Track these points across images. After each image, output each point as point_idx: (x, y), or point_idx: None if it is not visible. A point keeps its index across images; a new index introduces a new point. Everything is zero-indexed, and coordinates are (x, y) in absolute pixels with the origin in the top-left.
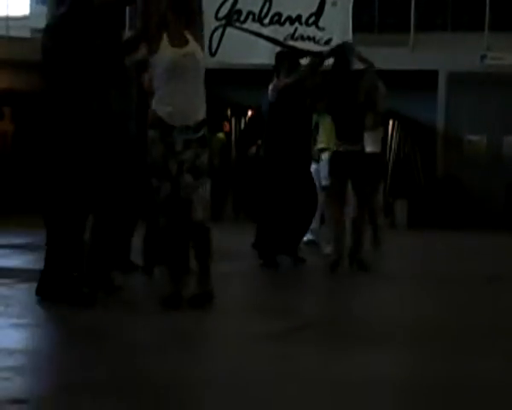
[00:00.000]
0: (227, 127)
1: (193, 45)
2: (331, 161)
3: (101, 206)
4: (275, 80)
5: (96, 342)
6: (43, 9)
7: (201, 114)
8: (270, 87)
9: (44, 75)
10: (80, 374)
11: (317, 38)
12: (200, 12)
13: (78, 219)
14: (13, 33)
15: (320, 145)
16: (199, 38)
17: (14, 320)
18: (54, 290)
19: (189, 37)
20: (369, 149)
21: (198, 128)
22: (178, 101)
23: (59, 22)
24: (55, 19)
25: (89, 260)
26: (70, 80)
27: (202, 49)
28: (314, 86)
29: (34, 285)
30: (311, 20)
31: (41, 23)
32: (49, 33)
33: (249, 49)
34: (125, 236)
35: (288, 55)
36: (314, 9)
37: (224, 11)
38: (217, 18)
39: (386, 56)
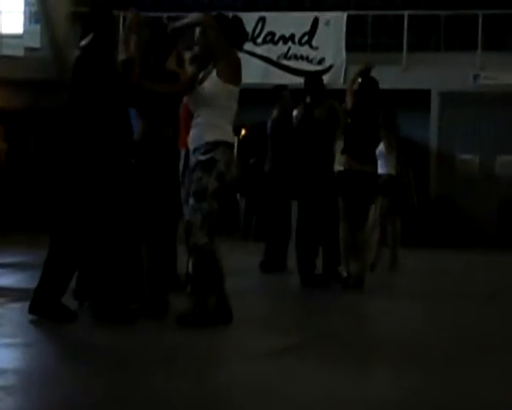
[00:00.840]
0: None
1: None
2: (345, 180)
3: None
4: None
5: (91, 359)
6: (37, 28)
7: (208, 136)
8: (296, 112)
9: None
10: (74, 393)
11: (310, 58)
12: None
13: (81, 240)
14: (6, 52)
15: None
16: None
17: (6, 340)
18: (46, 308)
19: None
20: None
21: (204, 151)
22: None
23: (81, 54)
24: (79, 51)
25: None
26: (95, 108)
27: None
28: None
29: (26, 304)
30: (304, 40)
31: (35, 42)
32: (74, 65)
33: (243, 69)
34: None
35: (316, 79)
36: (307, 29)
37: None
38: None
39: (379, 76)
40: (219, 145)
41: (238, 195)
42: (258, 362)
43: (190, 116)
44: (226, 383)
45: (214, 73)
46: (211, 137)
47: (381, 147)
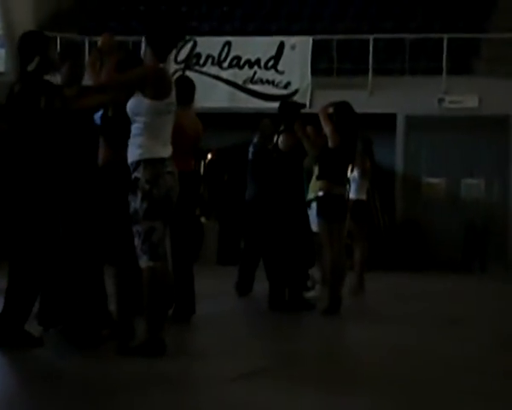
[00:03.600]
0: None
1: None
2: (328, 204)
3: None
4: (283, 135)
5: (53, 386)
6: (2, 53)
7: (132, 156)
8: (282, 138)
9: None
10: None
11: (276, 82)
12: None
13: (40, 266)
14: None
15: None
16: None
17: None
18: (10, 336)
19: None
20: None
21: (133, 169)
22: None
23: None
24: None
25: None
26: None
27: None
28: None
29: None
30: (270, 64)
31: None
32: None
33: (208, 93)
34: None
35: (291, 106)
36: (273, 53)
37: (183, 55)
38: (176, 61)
39: (345, 100)
40: (140, 164)
41: (203, 218)
42: (223, 387)
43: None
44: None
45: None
46: (132, 157)
47: (355, 172)
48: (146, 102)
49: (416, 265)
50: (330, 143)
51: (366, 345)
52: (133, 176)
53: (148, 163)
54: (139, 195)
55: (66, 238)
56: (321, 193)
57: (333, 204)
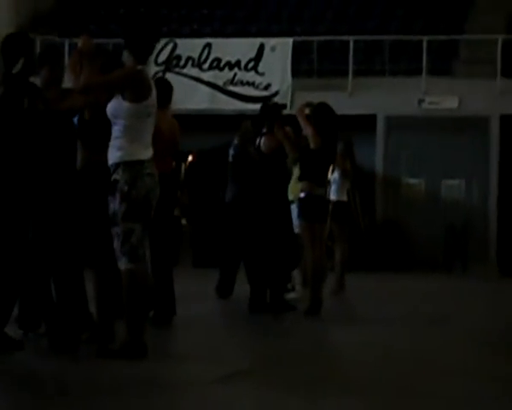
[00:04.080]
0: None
1: None
2: (310, 205)
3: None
4: (265, 137)
5: (34, 389)
6: None
7: (111, 158)
8: (263, 140)
9: None
10: None
11: (256, 83)
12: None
13: (17, 269)
14: None
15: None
16: None
17: None
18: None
19: None
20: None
21: (112, 171)
22: None
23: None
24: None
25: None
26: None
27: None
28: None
29: None
30: (250, 65)
31: None
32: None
33: (189, 94)
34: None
35: (272, 108)
36: (253, 55)
37: (163, 57)
38: (156, 63)
39: (325, 101)
40: (119, 166)
41: (184, 220)
42: (204, 390)
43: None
44: None
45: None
46: (112, 159)
47: (336, 173)
48: (125, 104)
49: (397, 265)
50: (312, 145)
51: (348, 346)
52: (112, 178)
53: (127, 165)
54: (118, 196)
55: (43, 241)
56: (302, 194)
57: (314, 205)
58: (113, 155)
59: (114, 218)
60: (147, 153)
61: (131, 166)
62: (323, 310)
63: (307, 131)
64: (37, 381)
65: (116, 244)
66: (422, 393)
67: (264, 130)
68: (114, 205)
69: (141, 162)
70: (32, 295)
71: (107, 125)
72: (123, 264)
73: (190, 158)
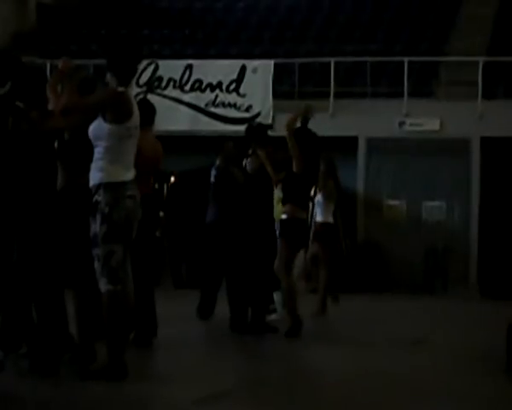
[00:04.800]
0: None
1: None
2: (291, 228)
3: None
4: (250, 158)
5: None
6: None
7: (93, 180)
8: (248, 161)
9: None
10: None
11: (238, 105)
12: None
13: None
14: None
15: None
16: None
17: None
18: None
19: None
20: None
21: (94, 193)
22: None
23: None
24: None
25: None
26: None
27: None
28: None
29: None
30: (231, 87)
31: None
32: None
33: (170, 116)
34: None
35: (257, 129)
36: (235, 76)
37: (144, 78)
38: (138, 84)
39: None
40: (100, 187)
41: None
42: None
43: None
44: None
45: (100, 113)
46: (93, 181)
47: (319, 195)
48: (106, 126)
49: (377, 287)
50: (295, 168)
51: (328, 368)
52: (94, 199)
53: (108, 187)
54: (99, 218)
55: (24, 262)
56: (284, 216)
57: (296, 228)
58: (94, 177)
59: (95, 239)
60: (129, 174)
61: (113, 188)
62: (304, 331)
63: (294, 153)
64: (16, 402)
65: (97, 265)
66: None
67: (251, 151)
68: (95, 226)
69: (122, 184)
70: (13, 316)
71: (87, 147)
72: (103, 285)
73: (172, 179)
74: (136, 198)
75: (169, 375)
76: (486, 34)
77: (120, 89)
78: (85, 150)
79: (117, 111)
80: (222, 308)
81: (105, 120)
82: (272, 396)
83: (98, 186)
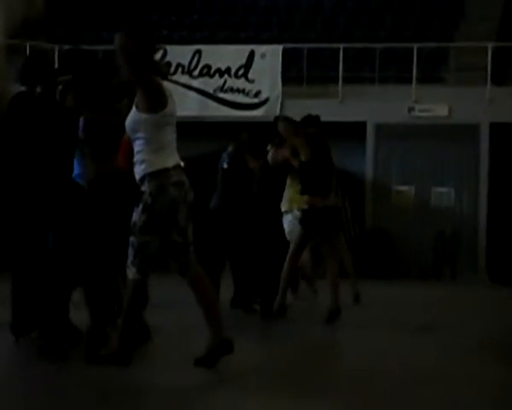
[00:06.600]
0: None
1: None
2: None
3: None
4: (273, 150)
5: (19, 395)
6: None
7: (138, 173)
8: (271, 153)
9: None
10: None
11: (246, 90)
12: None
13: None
14: None
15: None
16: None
17: None
18: None
19: None
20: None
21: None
22: None
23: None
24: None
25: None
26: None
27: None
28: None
29: None
30: (240, 73)
31: None
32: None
33: (179, 101)
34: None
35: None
36: (243, 62)
37: None
38: None
39: (315, 108)
40: (144, 179)
41: None
42: (188, 395)
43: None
44: None
45: (135, 105)
46: (138, 174)
47: None
48: (142, 116)
49: (386, 272)
50: (302, 157)
51: (334, 352)
52: (141, 190)
53: (152, 176)
54: (140, 207)
55: (61, 249)
56: (306, 207)
57: (314, 218)
58: (138, 170)
59: (133, 228)
60: (171, 160)
61: (156, 176)
62: (314, 316)
63: (295, 142)
64: (20, 384)
65: (129, 252)
66: (406, 398)
67: (276, 141)
68: (136, 215)
69: (165, 171)
70: (25, 301)
71: (113, 137)
72: (131, 274)
73: (182, 164)
74: (182, 184)
75: (170, 360)
76: (496, 19)
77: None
78: (111, 140)
79: (151, 100)
80: (227, 294)
81: (139, 110)
82: (274, 380)
83: (143, 177)
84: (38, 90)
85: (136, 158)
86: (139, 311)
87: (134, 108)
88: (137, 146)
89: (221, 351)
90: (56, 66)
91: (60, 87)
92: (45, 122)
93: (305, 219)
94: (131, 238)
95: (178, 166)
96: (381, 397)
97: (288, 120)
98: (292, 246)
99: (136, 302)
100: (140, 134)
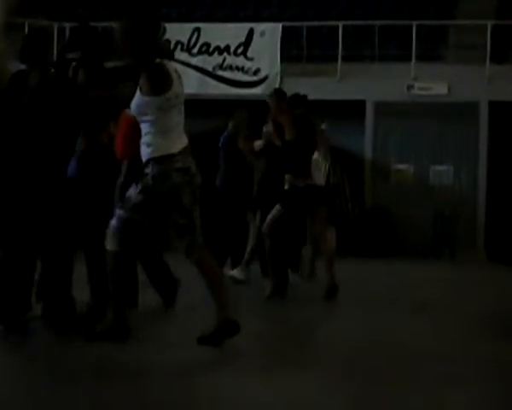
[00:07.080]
0: None
1: None
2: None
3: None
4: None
5: (19, 373)
6: None
7: (144, 155)
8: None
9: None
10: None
11: (245, 68)
12: None
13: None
14: None
15: None
16: None
17: None
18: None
19: None
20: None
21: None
22: None
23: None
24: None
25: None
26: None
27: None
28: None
29: None
30: (239, 50)
31: None
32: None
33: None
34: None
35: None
36: (242, 39)
37: None
38: None
39: (314, 86)
40: (149, 162)
41: None
42: (190, 375)
43: (132, 127)
44: (152, 400)
45: (138, 88)
46: (144, 156)
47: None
48: (145, 99)
49: (385, 251)
50: (287, 136)
51: (332, 330)
52: (144, 171)
53: (156, 161)
54: (139, 186)
55: (36, 221)
56: (286, 186)
57: (295, 197)
58: (144, 152)
59: (126, 202)
60: (178, 144)
61: (160, 162)
62: (312, 295)
63: (281, 119)
64: (20, 361)
65: (113, 224)
66: (404, 376)
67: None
68: (133, 191)
69: (171, 156)
70: (25, 278)
71: (104, 111)
72: (112, 245)
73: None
74: (187, 169)
75: (174, 340)
76: None
77: (157, 60)
78: (103, 114)
79: (154, 83)
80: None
81: (143, 93)
82: (275, 360)
83: (147, 161)
84: (51, 70)
85: (143, 140)
86: (124, 282)
87: (138, 92)
88: (144, 128)
89: (226, 331)
90: (60, 43)
91: (73, 64)
92: (61, 101)
93: (285, 199)
94: (120, 211)
95: (185, 149)
96: (379, 372)
97: (278, 94)
98: (268, 221)
99: (119, 274)
100: (146, 117)
